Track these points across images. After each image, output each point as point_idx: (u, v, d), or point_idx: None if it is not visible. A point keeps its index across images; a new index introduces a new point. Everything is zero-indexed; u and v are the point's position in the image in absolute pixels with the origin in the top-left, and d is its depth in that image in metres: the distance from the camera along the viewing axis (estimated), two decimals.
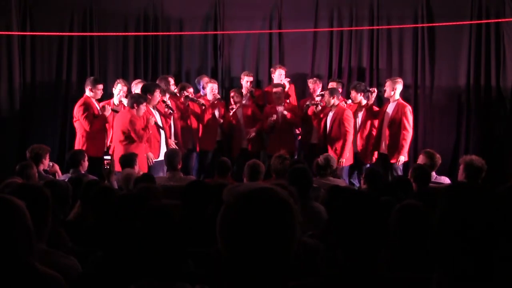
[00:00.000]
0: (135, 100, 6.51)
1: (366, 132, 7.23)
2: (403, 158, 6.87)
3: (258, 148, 7.67)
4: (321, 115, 7.26)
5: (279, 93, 7.38)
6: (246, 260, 1.41)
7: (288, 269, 1.42)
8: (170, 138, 7.05)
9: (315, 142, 7.51)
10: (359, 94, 7.17)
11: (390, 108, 7.03)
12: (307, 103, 7.44)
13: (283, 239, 1.39)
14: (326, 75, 8.28)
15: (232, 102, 7.55)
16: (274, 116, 7.32)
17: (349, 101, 7.24)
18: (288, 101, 7.64)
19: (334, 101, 7.06)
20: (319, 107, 7.24)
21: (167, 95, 7.10)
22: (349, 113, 7.05)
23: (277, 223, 1.39)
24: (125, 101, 6.92)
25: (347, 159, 7.04)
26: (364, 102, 7.20)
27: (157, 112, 6.87)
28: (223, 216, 1.45)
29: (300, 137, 7.71)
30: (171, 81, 7.46)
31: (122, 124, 6.47)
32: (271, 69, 7.99)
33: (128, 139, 6.43)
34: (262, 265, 1.40)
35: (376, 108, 7.25)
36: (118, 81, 7.30)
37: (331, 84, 7.53)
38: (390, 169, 6.94)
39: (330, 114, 7.13)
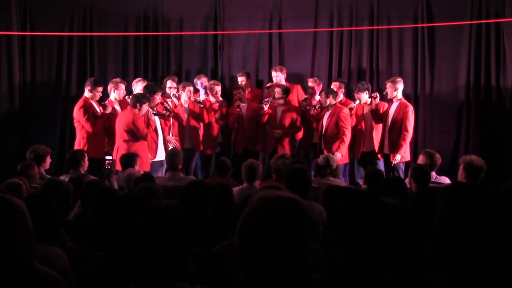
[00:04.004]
0: (137, 100, 6.58)
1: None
2: (399, 156, 6.89)
3: (260, 148, 7.67)
4: (320, 116, 7.30)
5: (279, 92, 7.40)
6: (258, 263, 1.47)
7: (298, 278, 1.46)
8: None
9: (316, 141, 7.52)
10: (364, 93, 7.16)
11: (392, 108, 7.05)
12: (306, 106, 7.45)
13: (294, 250, 1.48)
14: (326, 75, 8.27)
15: (238, 99, 7.53)
16: (270, 99, 7.36)
17: (357, 102, 7.22)
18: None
19: (330, 100, 7.10)
20: (317, 109, 7.26)
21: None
22: (346, 111, 7.08)
23: (292, 233, 1.48)
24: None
25: (343, 157, 7.04)
26: (369, 100, 7.19)
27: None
28: (245, 218, 1.51)
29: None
30: (168, 83, 7.47)
31: (125, 124, 6.51)
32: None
33: (132, 137, 6.47)
34: (273, 270, 1.47)
35: (381, 110, 7.20)
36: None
37: (334, 84, 7.53)
38: (392, 169, 6.96)
39: (327, 114, 7.15)
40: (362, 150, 7.27)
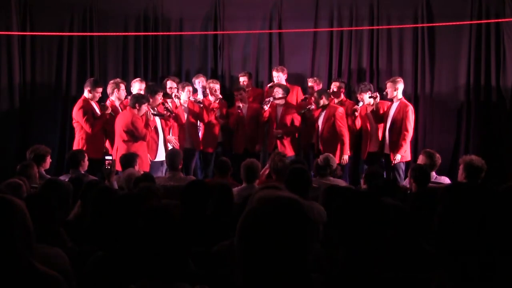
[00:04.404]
0: (136, 100, 6.58)
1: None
2: (399, 156, 6.89)
3: (259, 149, 7.68)
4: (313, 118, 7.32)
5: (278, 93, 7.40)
6: (258, 263, 1.47)
7: (298, 278, 1.46)
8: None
9: (315, 141, 7.52)
10: (366, 94, 7.14)
11: (392, 108, 7.05)
12: (299, 111, 7.44)
13: (294, 250, 1.48)
14: (326, 75, 8.27)
15: (239, 100, 7.54)
16: (270, 99, 7.35)
17: (360, 104, 7.19)
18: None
19: (323, 101, 7.10)
20: (311, 110, 7.25)
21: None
22: (341, 111, 7.10)
23: (292, 233, 1.48)
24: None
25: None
26: (372, 101, 7.18)
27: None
28: (245, 218, 1.51)
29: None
30: (168, 83, 7.47)
31: (124, 124, 6.51)
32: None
33: (132, 138, 6.47)
34: (273, 270, 1.47)
35: (384, 110, 7.20)
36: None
37: (334, 84, 7.54)
38: (392, 169, 6.95)
39: (322, 115, 7.16)
40: (368, 150, 7.26)
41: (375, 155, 7.22)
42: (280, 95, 7.37)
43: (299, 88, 7.96)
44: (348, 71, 8.28)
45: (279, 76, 7.72)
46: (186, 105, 7.44)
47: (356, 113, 7.16)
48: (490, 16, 7.93)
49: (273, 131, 7.40)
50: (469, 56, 7.98)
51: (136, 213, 2.25)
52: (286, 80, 7.84)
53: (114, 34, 8.28)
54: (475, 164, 5.00)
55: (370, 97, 7.11)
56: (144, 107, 6.58)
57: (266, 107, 7.35)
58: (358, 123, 7.26)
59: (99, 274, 2.49)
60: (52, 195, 3.31)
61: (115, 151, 6.55)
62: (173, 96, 7.33)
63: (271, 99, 7.37)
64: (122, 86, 7.23)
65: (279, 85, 7.48)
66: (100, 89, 7.03)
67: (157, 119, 6.92)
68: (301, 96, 7.87)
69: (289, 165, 5.10)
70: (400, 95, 7.07)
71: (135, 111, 6.55)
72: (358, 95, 7.30)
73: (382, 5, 8.18)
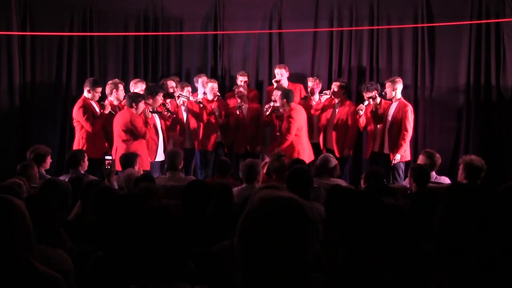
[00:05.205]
0: (133, 99, 6.58)
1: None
2: (398, 156, 6.87)
3: (260, 150, 7.68)
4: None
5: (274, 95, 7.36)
6: (258, 263, 1.47)
7: (298, 278, 1.47)
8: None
9: (316, 141, 7.50)
10: (372, 93, 7.08)
11: (392, 108, 7.03)
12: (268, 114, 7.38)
13: (294, 250, 1.48)
14: (326, 75, 8.27)
15: (238, 99, 7.53)
16: (271, 104, 7.31)
17: (366, 103, 7.11)
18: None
19: (284, 104, 6.96)
20: (280, 112, 7.21)
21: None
22: (293, 115, 6.91)
23: (292, 233, 1.48)
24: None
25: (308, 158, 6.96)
26: (378, 99, 7.13)
27: (156, 115, 6.89)
28: (245, 218, 1.51)
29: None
30: (169, 83, 7.46)
31: (123, 123, 6.51)
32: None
33: (131, 137, 6.47)
34: (273, 270, 1.47)
35: (381, 110, 7.15)
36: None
37: (335, 84, 7.51)
38: (392, 169, 6.95)
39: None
40: (372, 150, 7.22)
41: (379, 155, 7.19)
42: (279, 98, 7.34)
43: (301, 85, 7.94)
44: (348, 71, 8.27)
45: (281, 73, 7.70)
46: (185, 105, 7.44)
47: (361, 112, 7.11)
48: (490, 16, 7.92)
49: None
50: (469, 56, 7.98)
51: (136, 213, 2.25)
52: (288, 78, 7.83)
53: (114, 34, 8.28)
54: (475, 164, 5.01)
55: (369, 98, 7.06)
56: (142, 105, 6.58)
57: (268, 113, 7.34)
58: (363, 122, 7.22)
59: (99, 274, 2.49)
60: (52, 195, 3.31)
61: (115, 151, 6.55)
62: (176, 96, 7.32)
63: (272, 104, 7.35)
64: (121, 87, 7.21)
65: (277, 88, 7.47)
66: (99, 89, 7.04)
67: (157, 120, 6.91)
68: (303, 94, 7.86)
69: (288, 165, 5.10)
70: (399, 95, 7.06)
71: (133, 110, 6.54)
72: (364, 94, 7.24)
73: (382, 5, 8.18)
